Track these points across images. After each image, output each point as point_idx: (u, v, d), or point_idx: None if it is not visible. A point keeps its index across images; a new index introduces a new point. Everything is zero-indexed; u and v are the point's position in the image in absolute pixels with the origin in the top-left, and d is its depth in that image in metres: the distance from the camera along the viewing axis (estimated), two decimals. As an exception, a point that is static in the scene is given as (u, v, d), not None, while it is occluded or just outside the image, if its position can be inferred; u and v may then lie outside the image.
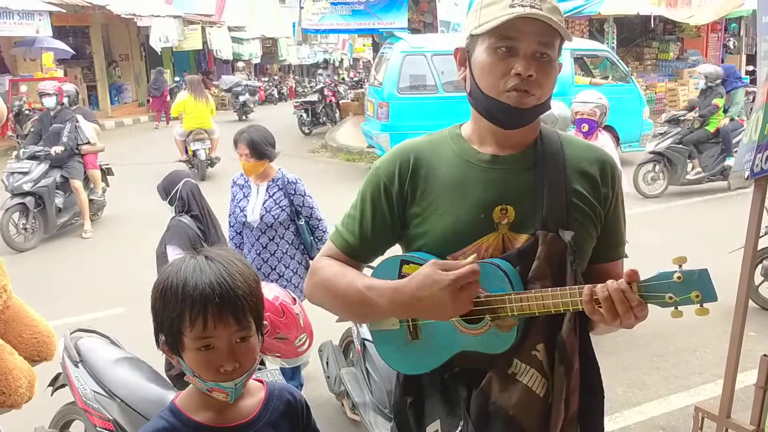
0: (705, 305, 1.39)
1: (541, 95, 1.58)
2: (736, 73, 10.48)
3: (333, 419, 4.06)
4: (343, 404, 4.04)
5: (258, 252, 4.09)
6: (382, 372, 3.36)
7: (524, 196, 1.61)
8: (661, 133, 9.97)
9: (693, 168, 9.54)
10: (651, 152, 9.68)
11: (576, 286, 1.47)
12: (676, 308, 1.41)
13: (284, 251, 4.10)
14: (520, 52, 1.54)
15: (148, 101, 21.79)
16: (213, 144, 12.05)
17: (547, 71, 1.56)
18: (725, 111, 9.54)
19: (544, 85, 1.57)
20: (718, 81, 9.50)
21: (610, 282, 1.44)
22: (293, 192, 4.18)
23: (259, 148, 4.09)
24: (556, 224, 1.57)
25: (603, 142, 5.12)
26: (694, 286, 1.38)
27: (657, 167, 9.56)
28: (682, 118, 9.80)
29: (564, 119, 5.27)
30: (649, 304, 1.43)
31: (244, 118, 20.03)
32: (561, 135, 1.72)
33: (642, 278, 1.43)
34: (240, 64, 27.23)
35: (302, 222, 4.13)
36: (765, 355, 3.08)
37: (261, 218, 4.09)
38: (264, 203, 4.12)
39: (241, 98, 20.53)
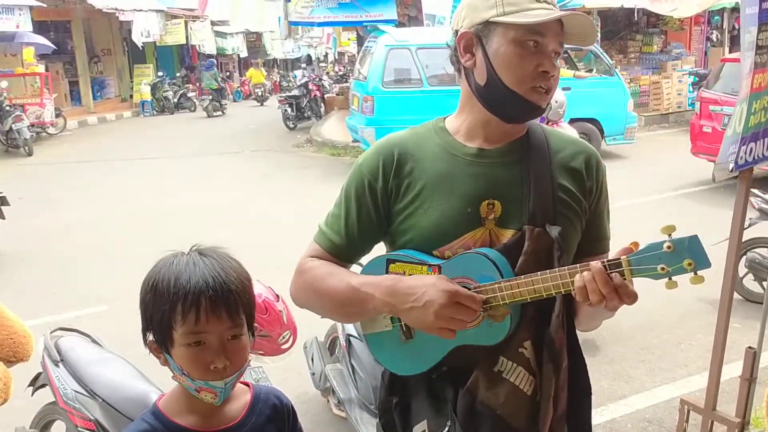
0: (699, 273, 1.33)
1: (553, 93, 1.58)
2: None
3: (318, 416, 4.03)
4: (328, 401, 4.02)
5: None
6: (367, 368, 3.33)
7: (511, 190, 1.58)
8: None
9: None
10: None
11: (566, 268, 1.43)
12: (670, 279, 1.35)
13: None
14: (544, 49, 1.52)
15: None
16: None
17: (559, 70, 1.57)
18: None
19: (557, 83, 1.58)
20: None
21: (594, 263, 1.39)
22: None
23: None
24: (543, 219, 1.54)
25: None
26: (685, 254, 1.33)
27: None
28: None
29: (562, 102, 5.68)
30: (642, 278, 1.38)
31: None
32: (545, 128, 1.69)
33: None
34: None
35: None
36: (750, 347, 3.09)
37: None
38: None
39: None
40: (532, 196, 1.56)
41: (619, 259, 1.38)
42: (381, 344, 1.67)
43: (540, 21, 1.48)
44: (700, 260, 1.33)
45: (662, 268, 1.34)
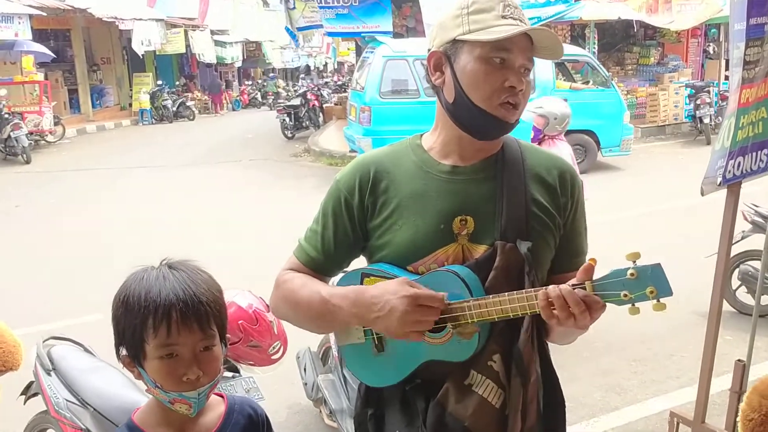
0: (662, 300, 1.36)
1: (522, 109, 1.60)
2: None
3: (310, 426, 4.03)
4: (320, 411, 4.02)
5: None
6: (359, 378, 3.34)
7: (484, 206, 1.60)
8: None
9: None
10: None
11: (533, 290, 1.46)
12: (633, 305, 1.39)
13: None
14: (511, 65, 1.54)
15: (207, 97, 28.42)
16: None
17: (529, 86, 1.59)
18: None
19: (527, 99, 1.59)
20: None
21: (563, 285, 1.42)
22: None
23: None
24: (516, 234, 1.56)
25: (558, 151, 4.96)
26: (648, 282, 1.36)
27: None
28: None
29: (563, 116, 5.21)
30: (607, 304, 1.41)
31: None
32: (521, 143, 1.72)
33: (595, 277, 1.41)
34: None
35: None
36: (739, 360, 3.10)
37: None
38: None
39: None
40: (505, 211, 1.58)
41: (584, 284, 1.40)
42: (354, 357, 1.70)
43: (503, 37, 1.50)
44: (662, 288, 1.36)
45: (625, 295, 1.37)
